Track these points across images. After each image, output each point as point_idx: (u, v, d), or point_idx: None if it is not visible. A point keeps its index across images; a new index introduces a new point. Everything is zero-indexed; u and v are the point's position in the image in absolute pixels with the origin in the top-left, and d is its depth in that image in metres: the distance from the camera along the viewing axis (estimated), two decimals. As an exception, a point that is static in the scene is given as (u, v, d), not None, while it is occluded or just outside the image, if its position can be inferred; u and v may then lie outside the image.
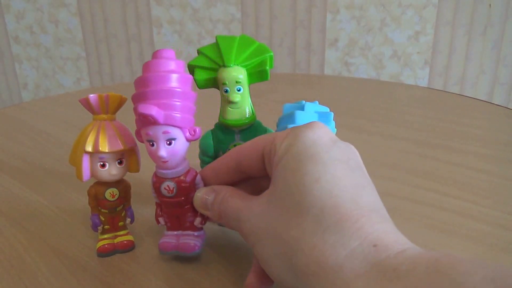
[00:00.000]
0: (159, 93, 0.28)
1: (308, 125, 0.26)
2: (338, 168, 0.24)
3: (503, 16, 1.39)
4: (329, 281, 0.20)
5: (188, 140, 0.30)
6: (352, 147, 0.27)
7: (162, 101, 0.28)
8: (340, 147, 0.25)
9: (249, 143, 0.29)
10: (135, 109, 0.29)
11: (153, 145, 0.29)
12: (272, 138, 0.27)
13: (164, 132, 0.29)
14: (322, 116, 0.33)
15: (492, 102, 0.72)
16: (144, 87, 0.29)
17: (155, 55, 0.30)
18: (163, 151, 0.29)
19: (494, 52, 1.43)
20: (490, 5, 1.38)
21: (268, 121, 0.37)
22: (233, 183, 0.31)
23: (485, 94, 1.48)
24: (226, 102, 0.34)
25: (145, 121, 0.28)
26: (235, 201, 0.28)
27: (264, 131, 0.35)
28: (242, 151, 0.29)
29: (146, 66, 0.30)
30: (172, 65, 0.30)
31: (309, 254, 0.21)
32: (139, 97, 0.29)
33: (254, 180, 0.31)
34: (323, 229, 0.21)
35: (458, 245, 0.34)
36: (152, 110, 0.27)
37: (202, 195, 0.31)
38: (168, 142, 0.29)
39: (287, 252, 0.23)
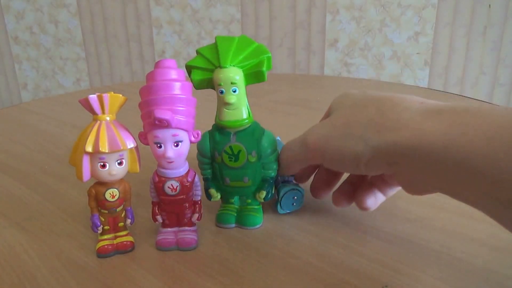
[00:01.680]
0: (166, 99, 0.31)
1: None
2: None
3: (503, 17, 1.39)
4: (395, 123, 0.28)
5: (191, 142, 0.33)
6: None
7: (169, 107, 0.31)
8: None
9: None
10: (145, 115, 0.32)
11: (160, 147, 0.31)
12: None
13: (173, 135, 0.31)
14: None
15: (492, 103, 0.72)
16: (151, 95, 0.31)
17: (158, 65, 0.33)
18: (171, 152, 0.31)
19: (494, 53, 1.43)
20: (489, 5, 1.38)
21: (268, 122, 0.37)
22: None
23: (485, 94, 1.48)
24: (222, 103, 0.34)
25: (158, 125, 0.31)
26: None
27: (262, 132, 0.35)
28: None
29: (150, 75, 0.32)
30: (174, 74, 0.32)
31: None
32: (148, 104, 0.31)
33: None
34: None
35: (459, 246, 0.34)
36: (167, 114, 0.30)
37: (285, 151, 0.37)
38: (175, 144, 0.31)
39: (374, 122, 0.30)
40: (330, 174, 0.38)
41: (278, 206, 0.38)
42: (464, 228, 0.36)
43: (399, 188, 0.36)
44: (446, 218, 0.37)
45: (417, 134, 0.26)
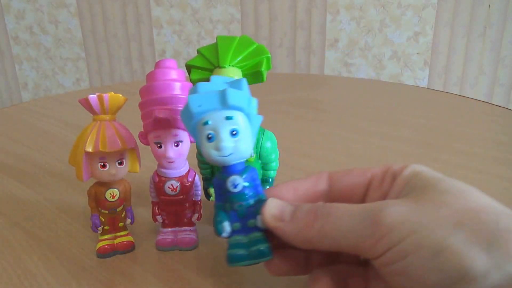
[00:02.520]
0: (166, 99, 0.31)
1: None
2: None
3: (503, 17, 1.39)
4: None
5: (191, 142, 0.32)
6: None
7: (169, 107, 0.31)
8: None
9: (344, 171, 0.28)
10: (145, 115, 0.31)
11: (160, 146, 0.31)
12: (384, 167, 0.27)
13: (174, 135, 0.31)
14: (233, 84, 0.27)
15: (492, 103, 0.72)
16: (151, 95, 0.31)
17: (158, 64, 0.33)
18: (171, 152, 0.31)
19: (494, 53, 1.43)
20: (489, 5, 1.38)
21: (268, 122, 0.37)
22: None
23: (485, 94, 1.48)
24: None
25: (159, 125, 0.31)
26: (349, 205, 0.24)
27: (262, 132, 0.35)
28: (338, 177, 0.28)
29: (151, 75, 0.32)
30: (175, 74, 0.32)
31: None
32: (148, 104, 0.31)
33: None
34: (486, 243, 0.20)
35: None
36: (168, 114, 0.30)
37: (277, 205, 0.26)
38: (175, 144, 0.32)
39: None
40: (330, 257, 0.27)
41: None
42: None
43: None
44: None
45: None
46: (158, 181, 0.33)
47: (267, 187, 0.36)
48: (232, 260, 0.26)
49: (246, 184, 0.27)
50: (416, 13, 1.42)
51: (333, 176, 0.28)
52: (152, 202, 0.35)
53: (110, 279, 0.31)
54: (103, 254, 0.33)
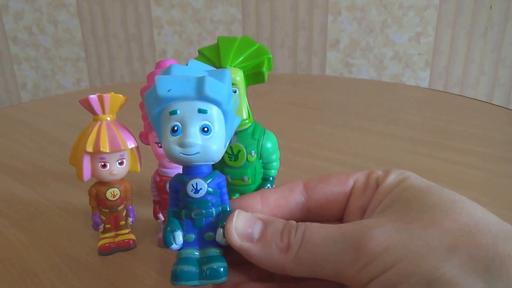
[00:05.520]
0: None
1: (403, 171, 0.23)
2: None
3: (504, 18, 1.39)
4: None
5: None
6: None
7: None
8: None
9: (318, 179, 0.25)
10: (146, 115, 0.31)
11: (161, 146, 0.31)
12: (366, 173, 0.24)
13: None
14: (214, 74, 0.23)
15: (492, 103, 0.72)
16: None
17: (159, 65, 0.33)
18: None
19: (494, 54, 1.43)
20: (491, 6, 1.38)
21: (269, 123, 0.37)
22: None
23: (485, 95, 1.48)
24: None
25: None
26: (326, 226, 0.21)
27: (263, 133, 0.35)
28: (314, 186, 0.24)
29: (151, 76, 0.32)
30: None
31: None
32: None
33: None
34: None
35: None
36: None
37: (244, 219, 0.22)
38: None
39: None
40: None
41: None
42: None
43: None
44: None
45: None
46: (159, 181, 0.33)
47: (268, 185, 0.36)
48: (178, 277, 0.22)
49: (210, 190, 0.22)
50: (418, 13, 1.42)
51: (308, 185, 0.25)
52: (154, 201, 0.35)
53: (111, 277, 0.31)
54: (104, 251, 0.33)
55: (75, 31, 1.66)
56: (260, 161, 0.36)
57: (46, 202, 0.42)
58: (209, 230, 0.23)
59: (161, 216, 0.35)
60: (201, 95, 0.22)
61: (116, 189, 0.33)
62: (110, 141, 0.31)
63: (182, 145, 0.21)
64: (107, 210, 0.33)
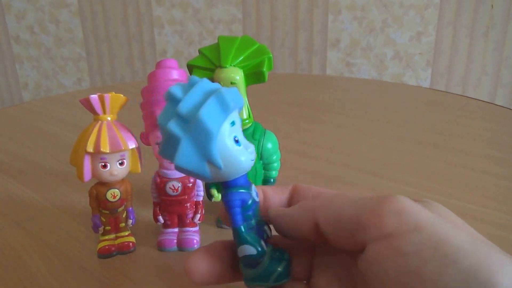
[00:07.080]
0: None
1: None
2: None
3: (505, 17, 1.38)
4: None
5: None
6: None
7: None
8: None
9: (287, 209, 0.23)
10: (147, 115, 0.31)
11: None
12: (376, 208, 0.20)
13: None
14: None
15: (494, 103, 0.72)
16: (153, 95, 0.31)
17: (160, 65, 0.33)
18: None
19: (496, 53, 1.43)
20: (492, 6, 1.37)
21: (269, 123, 0.37)
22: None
23: (487, 95, 1.48)
24: None
25: None
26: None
27: (263, 133, 0.35)
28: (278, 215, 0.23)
29: (152, 76, 0.32)
30: (176, 74, 0.32)
31: None
32: (150, 104, 0.31)
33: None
34: None
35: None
36: None
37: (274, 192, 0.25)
38: None
39: None
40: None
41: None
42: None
43: None
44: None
45: None
46: (160, 182, 0.33)
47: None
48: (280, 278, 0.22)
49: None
50: (419, 13, 1.42)
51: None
52: (154, 202, 0.35)
53: (111, 280, 0.31)
54: (104, 254, 0.33)
55: (76, 31, 1.66)
56: (261, 162, 0.35)
57: (46, 202, 0.42)
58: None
59: (160, 218, 0.34)
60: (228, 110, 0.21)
61: (117, 190, 0.32)
62: (111, 141, 0.31)
63: (249, 153, 0.22)
64: (107, 212, 0.33)
